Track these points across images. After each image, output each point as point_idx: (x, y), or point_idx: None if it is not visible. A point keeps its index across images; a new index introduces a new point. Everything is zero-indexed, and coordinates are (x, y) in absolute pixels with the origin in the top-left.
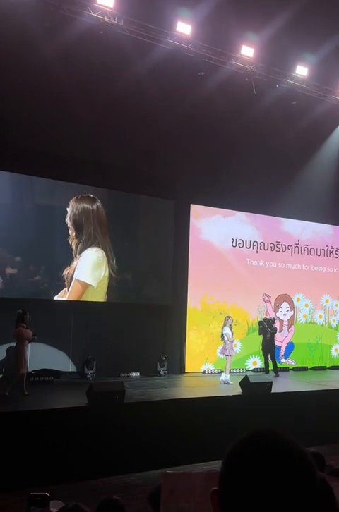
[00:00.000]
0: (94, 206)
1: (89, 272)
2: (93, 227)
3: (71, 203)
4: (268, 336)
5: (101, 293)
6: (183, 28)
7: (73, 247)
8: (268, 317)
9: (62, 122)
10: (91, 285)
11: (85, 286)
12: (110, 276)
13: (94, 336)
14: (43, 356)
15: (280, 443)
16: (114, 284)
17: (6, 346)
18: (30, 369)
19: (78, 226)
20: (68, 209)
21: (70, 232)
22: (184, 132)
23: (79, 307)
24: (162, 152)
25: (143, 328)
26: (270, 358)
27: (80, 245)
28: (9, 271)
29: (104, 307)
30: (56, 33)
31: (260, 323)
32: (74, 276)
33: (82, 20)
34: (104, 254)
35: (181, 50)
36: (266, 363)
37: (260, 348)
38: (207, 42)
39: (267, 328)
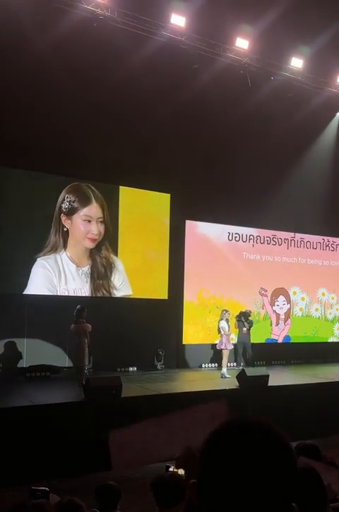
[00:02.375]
0: None
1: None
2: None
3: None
4: (245, 329)
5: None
6: (177, 20)
7: None
8: (244, 311)
9: (56, 115)
10: None
11: None
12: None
13: (91, 331)
14: (40, 352)
15: (255, 429)
16: (110, 278)
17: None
18: (26, 365)
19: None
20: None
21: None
22: (179, 126)
23: (75, 303)
24: (157, 145)
25: (140, 322)
26: (243, 351)
27: None
28: None
29: (100, 302)
30: (49, 26)
31: (237, 317)
32: None
33: (75, 12)
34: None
35: (176, 42)
36: (242, 356)
37: (236, 340)
38: (202, 34)
39: (244, 321)
